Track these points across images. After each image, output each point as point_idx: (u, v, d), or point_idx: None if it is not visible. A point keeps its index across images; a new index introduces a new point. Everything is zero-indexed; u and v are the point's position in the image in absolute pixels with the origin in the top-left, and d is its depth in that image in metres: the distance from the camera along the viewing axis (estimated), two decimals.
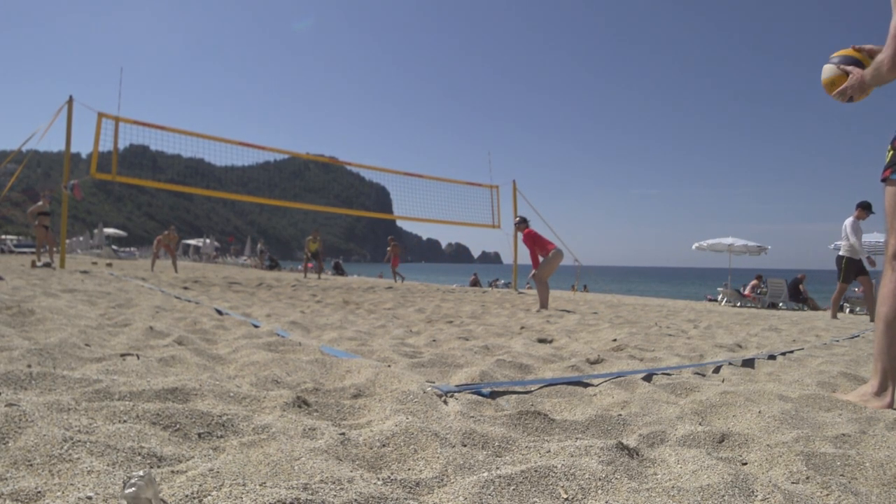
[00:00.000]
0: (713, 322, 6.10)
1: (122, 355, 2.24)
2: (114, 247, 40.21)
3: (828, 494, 1.22)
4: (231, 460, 1.17)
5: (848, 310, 14.43)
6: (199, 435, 1.39)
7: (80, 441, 1.19)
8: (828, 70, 2.37)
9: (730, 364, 3.02)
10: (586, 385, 2.30)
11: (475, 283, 24.58)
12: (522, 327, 4.61)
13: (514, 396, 2.06)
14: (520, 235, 7.65)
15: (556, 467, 1.23)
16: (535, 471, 1.22)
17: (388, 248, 16.97)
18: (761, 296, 15.32)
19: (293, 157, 14.69)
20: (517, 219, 7.72)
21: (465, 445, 1.44)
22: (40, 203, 12.20)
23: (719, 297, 16.36)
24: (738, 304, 15.29)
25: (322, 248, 16.08)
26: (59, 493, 0.98)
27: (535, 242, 7.38)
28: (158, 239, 15.17)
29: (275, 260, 29.98)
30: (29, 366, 1.90)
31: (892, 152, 2.13)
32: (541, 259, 7.32)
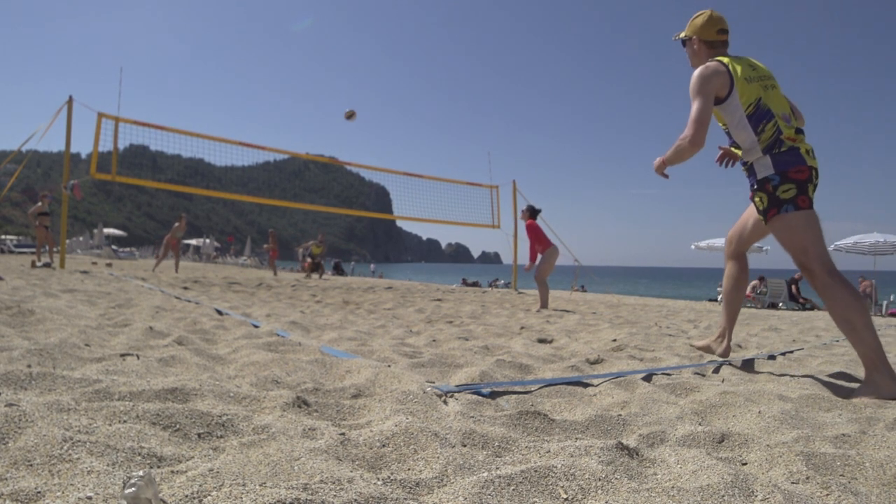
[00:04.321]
0: (713, 322, 6.10)
1: (122, 355, 2.24)
2: (114, 247, 40.23)
3: (828, 494, 1.22)
4: (231, 460, 1.17)
5: None
6: (199, 435, 1.39)
7: (80, 441, 1.19)
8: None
9: (730, 364, 3.02)
10: (586, 385, 2.30)
11: (469, 284, 24.59)
12: (522, 327, 4.61)
13: (514, 396, 2.06)
14: (521, 226, 7.63)
15: (556, 467, 1.23)
16: (535, 471, 1.22)
17: (268, 243, 17.03)
18: (761, 296, 15.32)
19: (293, 157, 14.69)
20: (525, 207, 7.64)
21: (465, 445, 1.44)
22: (40, 203, 12.22)
23: (719, 298, 16.36)
24: None
25: (325, 251, 16.13)
26: (59, 493, 0.98)
27: (536, 236, 7.38)
28: (168, 239, 14.14)
29: (321, 265, 29.50)
30: (29, 366, 1.90)
31: (765, 196, 2.51)
32: (539, 257, 7.32)
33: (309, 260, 16.17)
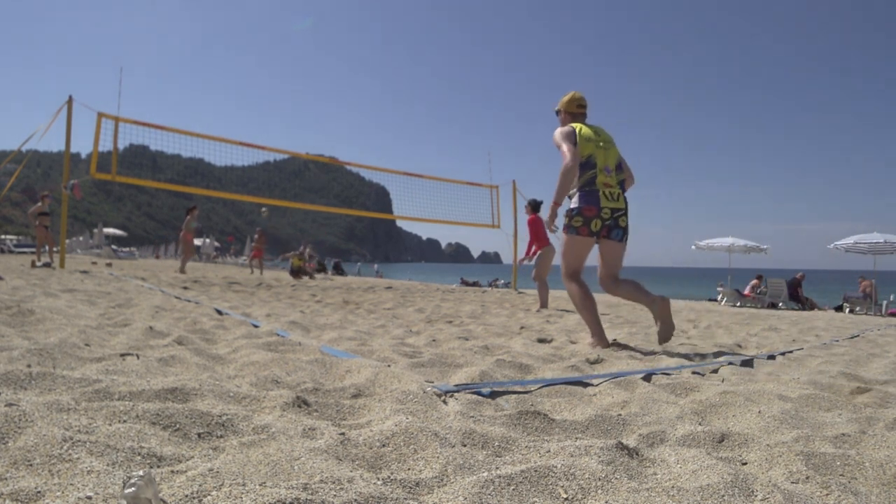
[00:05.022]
0: (713, 322, 6.10)
1: (122, 355, 2.24)
2: (113, 246, 40.22)
3: (828, 494, 1.22)
4: (231, 460, 1.17)
5: (848, 310, 14.42)
6: (199, 435, 1.39)
7: (79, 441, 1.19)
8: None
9: (730, 364, 3.02)
10: (586, 385, 2.30)
11: (469, 284, 24.57)
12: (522, 327, 4.61)
13: (513, 396, 2.06)
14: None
15: (555, 467, 1.23)
16: (535, 471, 1.22)
17: (254, 241, 16.91)
18: (761, 296, 15.32)
19: (293, 157, 14.69)
20: (528, 201, 7.63)
21: (464, 445, 1.44)
22: (40, 203, 12.23)
23: (719, 297, 16.35)
24: (738, 304, 15.29)
25: (305, 262, 16.00)
26: (58, 493, 0.98)
27: (536, 232, 7.38)
28: (183, 234, 12.98)
29: (323, 264, 29.18)
30: (29, 366, 1.90)
31: (567, 219, 3.56)
32: (537, 254, 7.34)
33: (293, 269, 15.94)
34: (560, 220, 3.59)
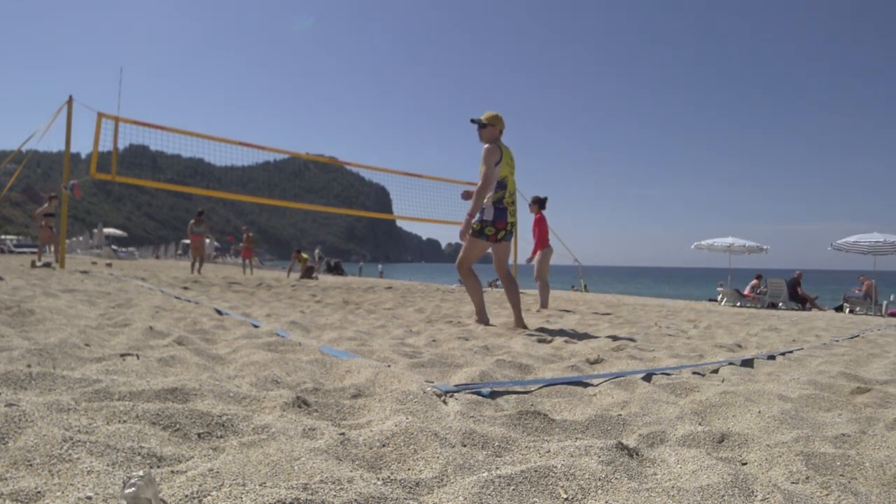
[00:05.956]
0: (713, 322, 6.10)
1: (122, 355, 2.24)
2: (113, 247, 40.22)
3: (828, 494, 1.22)
4: (231, 460, 1.17)
5: (848, 310, 14.42)
6: (199, 435, 1.39)
7: (79, 441, 1.19)
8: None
9: (730, 364, 3.02)
10: (586, 385, 2.30)
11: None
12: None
13: (513, 396, 2.06)
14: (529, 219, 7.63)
15: (555, 467, 1.23)
16: (535, 471, 1.22)
17: (242, 241, 17.08)
18: (761, 296, 15.31)
19: (293, 157, 14.68)
20: (532, 199, 7.58)
21: (464, 445, 1.44)
22: (46, 205, 12.30)
23: (719, 297, 16.34)
24: (738, 304, 15.29)
25: (308, 261, 16.40)
26: (59, 493, 0.98)
27: (541, 231, 7.40)
28: (195, 238, 13.45)
29: (330, 264, 29.14)
30: (29, 366, 1.90)
31: (479, 226, 4.36)
32: (538, 254, 7.38)
33: (299, 269, 16.49)
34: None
